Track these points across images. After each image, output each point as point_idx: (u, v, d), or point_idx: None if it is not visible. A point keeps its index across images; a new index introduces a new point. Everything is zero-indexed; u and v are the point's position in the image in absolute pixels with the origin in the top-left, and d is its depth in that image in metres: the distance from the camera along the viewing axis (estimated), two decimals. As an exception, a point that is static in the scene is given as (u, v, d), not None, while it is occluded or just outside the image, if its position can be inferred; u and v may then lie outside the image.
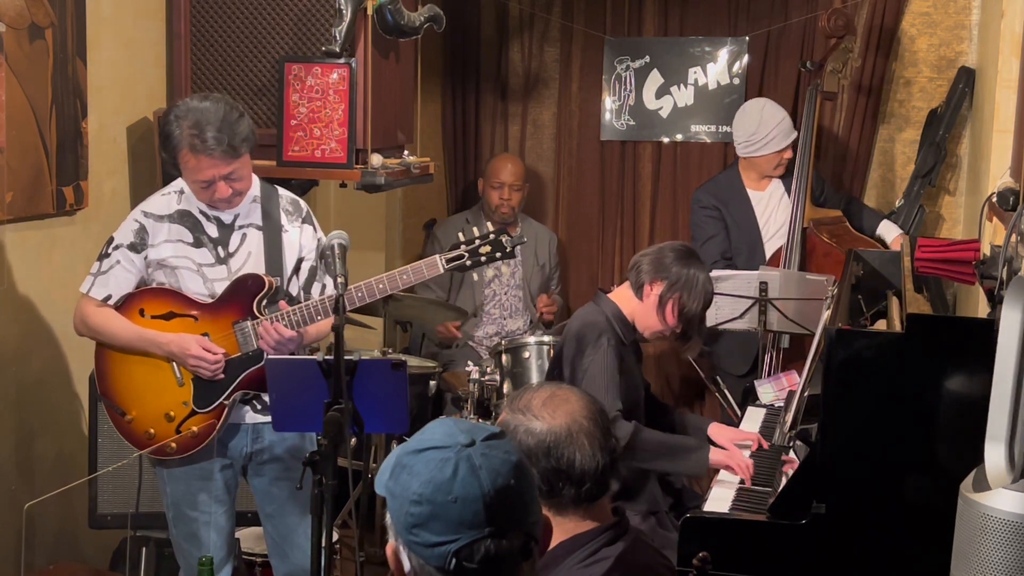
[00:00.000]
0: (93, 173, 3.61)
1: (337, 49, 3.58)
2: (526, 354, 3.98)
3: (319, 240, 3.08)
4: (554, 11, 5.25)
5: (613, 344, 3.13)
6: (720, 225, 4.50)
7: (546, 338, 4.00)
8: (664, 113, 5.17)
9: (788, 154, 4.43)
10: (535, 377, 3.91)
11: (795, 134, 4.42)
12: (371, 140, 3.70)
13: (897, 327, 2.64)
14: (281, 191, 3.09)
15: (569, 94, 5.28)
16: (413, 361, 4.40)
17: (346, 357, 2.34)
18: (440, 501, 1.35)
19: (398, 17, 3.69)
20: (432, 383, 4.26)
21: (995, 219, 3.23)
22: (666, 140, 5.18)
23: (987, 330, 1.89)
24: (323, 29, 3.73)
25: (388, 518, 1.42)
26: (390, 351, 4.27)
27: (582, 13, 5.19)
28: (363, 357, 2.47)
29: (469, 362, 4.18)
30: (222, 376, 2.93)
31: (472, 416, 3.95)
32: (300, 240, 3.05)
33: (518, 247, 3.07)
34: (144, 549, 3.48)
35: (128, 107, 3.83)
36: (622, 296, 3.27)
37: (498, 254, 2.89)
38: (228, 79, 3.83)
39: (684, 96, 5.13)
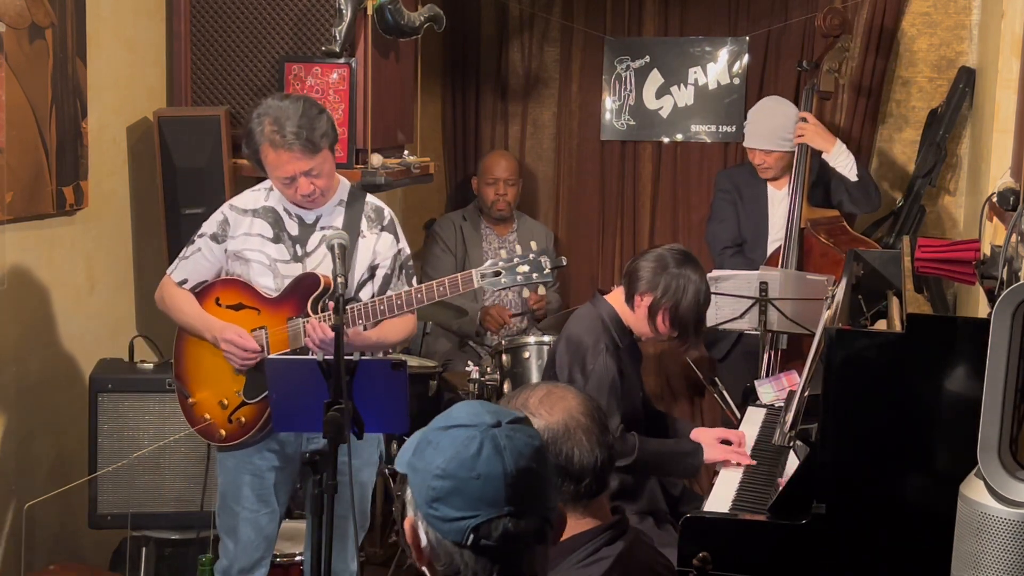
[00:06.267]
0: (93, 173, 3.61)
1: (337, 49, 3.58)
2: (526, 354, 3.99)
3: (400, 250, 3.10)
4: (554, 11, 5.25)
5: (611, 350, 3.13)
6: (732, 210, 4.49)
7: (546, 338, 4.02)
8: (664, 113, 5.17)
9: (758, 158, 4.35)
10: (535, 377, 3.92)
11: (770, 144, 4.32)
12: (371, 140, 3.71)
13: (897, 327, 2.63)
14: (369, 197, 3.11)
15: (569, 94, 5.28)
16: (413, 361, 4.39)
17: (346, 357, 2.34)
18: (463, 477, 1.37)
19: (398, 17, 3.70)
20: (432, 383, 4.25)
21: (995, 219, 3.23)
22: (666, 140, 5.18)
23: (987, 330, 1.88)
24: (323, 29, 3.73)
25: (408, 493, 1.44)
26: (390, 351, 4.27)
27: (582, 13, 5.19)
28: (363, 357, 2.46)
29: (469, 362, 4.18)
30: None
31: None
32: (376, 247, 3.06)
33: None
34: (144, 549, 3.48)
35: (128, 107, 3.83)
36: (619, 298, 3.25)
37: (535, 275, 2.85)
38: (228, 79, 3.83)
39: (684, 96, 5.13)
